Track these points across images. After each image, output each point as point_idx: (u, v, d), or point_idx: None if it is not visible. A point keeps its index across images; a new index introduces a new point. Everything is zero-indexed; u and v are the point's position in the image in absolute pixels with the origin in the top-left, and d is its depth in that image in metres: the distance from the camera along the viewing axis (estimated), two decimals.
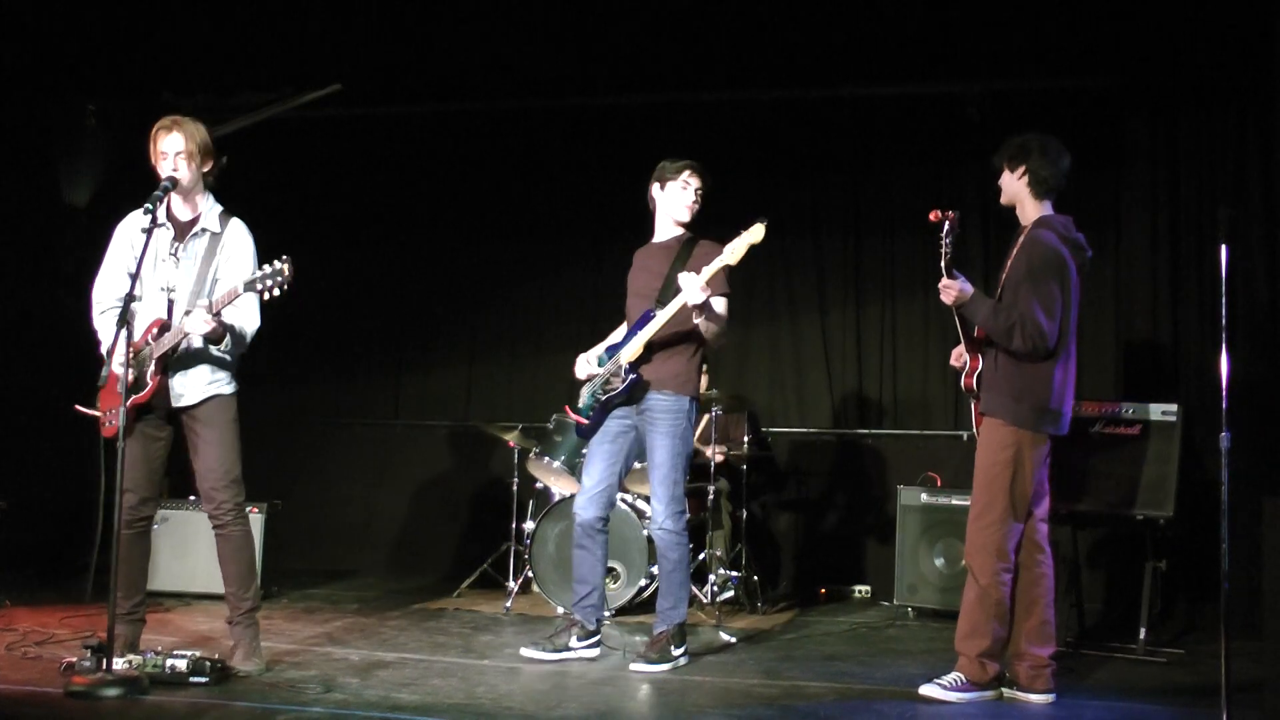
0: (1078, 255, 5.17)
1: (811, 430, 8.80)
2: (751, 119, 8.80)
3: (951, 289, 5.15)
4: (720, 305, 5.83)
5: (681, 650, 5.78)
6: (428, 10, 7.55)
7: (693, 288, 5.59)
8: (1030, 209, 5.26)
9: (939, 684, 5.11)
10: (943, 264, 5.15)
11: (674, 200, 6.04)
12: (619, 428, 5.89)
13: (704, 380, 8.08)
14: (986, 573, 5.06)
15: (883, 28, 7.55)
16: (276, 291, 5.01)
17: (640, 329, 5.80)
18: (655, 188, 6.09)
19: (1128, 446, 6.40)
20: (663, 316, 5.74)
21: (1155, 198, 7.77)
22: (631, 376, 5.76)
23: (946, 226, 5.15)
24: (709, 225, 8.90)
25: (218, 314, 5.02)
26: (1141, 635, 6.25)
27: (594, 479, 5.90)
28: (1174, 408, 6.40)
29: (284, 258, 4.99)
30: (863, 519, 8.53)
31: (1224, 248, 4.67)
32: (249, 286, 5.00)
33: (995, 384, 5.16)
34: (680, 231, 6.06)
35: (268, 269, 5.00)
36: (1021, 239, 5.23)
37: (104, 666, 4.74)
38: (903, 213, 8.53)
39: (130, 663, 4.89)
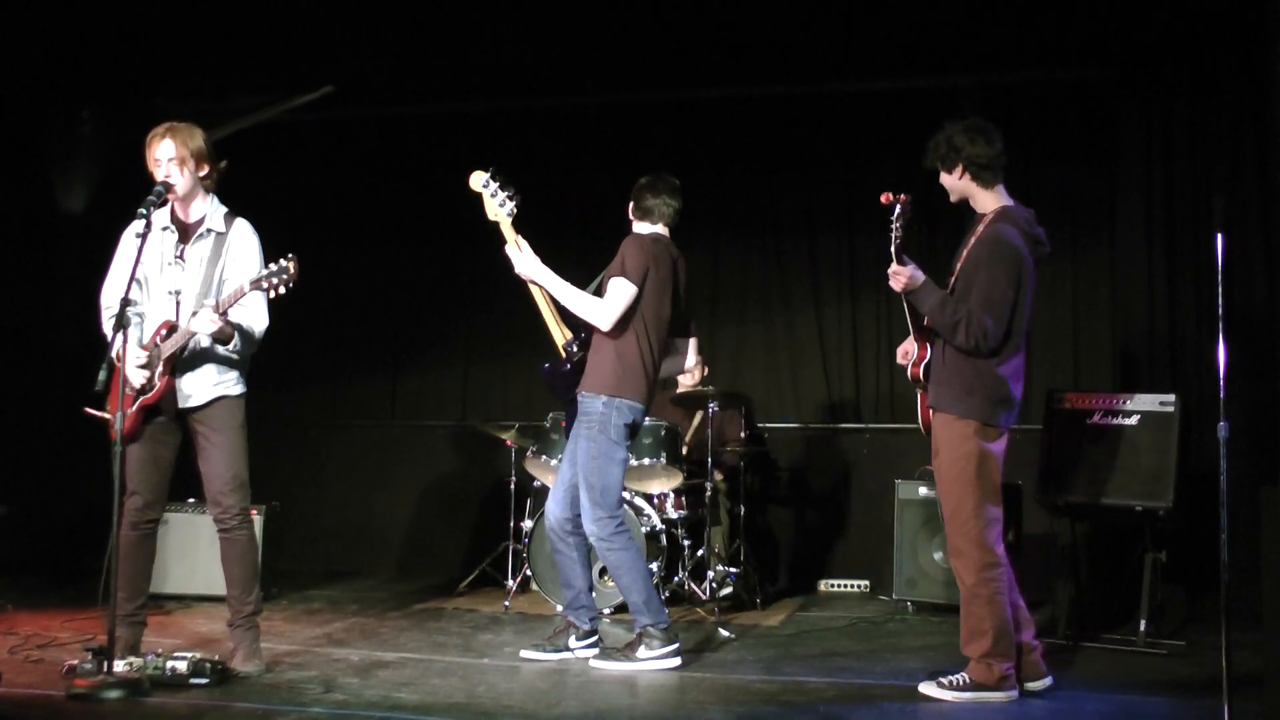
0: (1036, 250, 5.10)
1: (809, 425, 8.80)
2: (745, 115, 8.82)
3: (901, 275, 5.04)
4: (613, 287, 5.67)
5: (655, 654, 5.60)
6: (421, 11, 7.56)
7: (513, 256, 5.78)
8: (985, 198, 5.16)
9: (938, 682, 5.05)
10: (893, 248, 5.04)
11: None
12: (574, 429, 5.86)
13: (694, 372, 8.10)
14: (971, 571, 4.98)
15: (875, 23, 7.57)
16: (282, 289, 5.02)
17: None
18: None
19: (1126, 438, 6.39)
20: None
21: (1150, 188, 7.76)
22: (545, 368, 5.90)
23: (898, 209, 5.03)
24: (709, 222, 8.96)
25: (224, 313, 5.03)
26: (1142, 627, 6.25)
27: (558, 480, 5.90)
28: (1172, 398, 6.39)
29: (290, 255, 5.01)
30: (861, 514, 8.53)
31: (1220, 237, 4.65)
32: (255, 285, 5.01)
33: (944, 378, 5.07)
34: None
35: (273, 267, 5.02)
36: (981, 229, 5.11)
37: (105, 669, 4.75)
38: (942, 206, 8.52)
39: (131, 665, 4.90)
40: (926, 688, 5.07)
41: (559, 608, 7.07)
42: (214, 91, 8.32)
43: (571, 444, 5.84)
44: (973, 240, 5.13)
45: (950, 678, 5.04)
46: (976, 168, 5.10)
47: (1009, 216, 5.09)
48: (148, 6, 7.53)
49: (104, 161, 8.57)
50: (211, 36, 7.79)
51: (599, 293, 5.75)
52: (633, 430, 5.80)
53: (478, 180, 5.93)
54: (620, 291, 5.65)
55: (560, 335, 5.88)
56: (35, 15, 7.52)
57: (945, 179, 5.20)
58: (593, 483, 5.64)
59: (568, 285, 5.73)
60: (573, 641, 5.84)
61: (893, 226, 5.04)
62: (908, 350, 5.27)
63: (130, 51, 7.96)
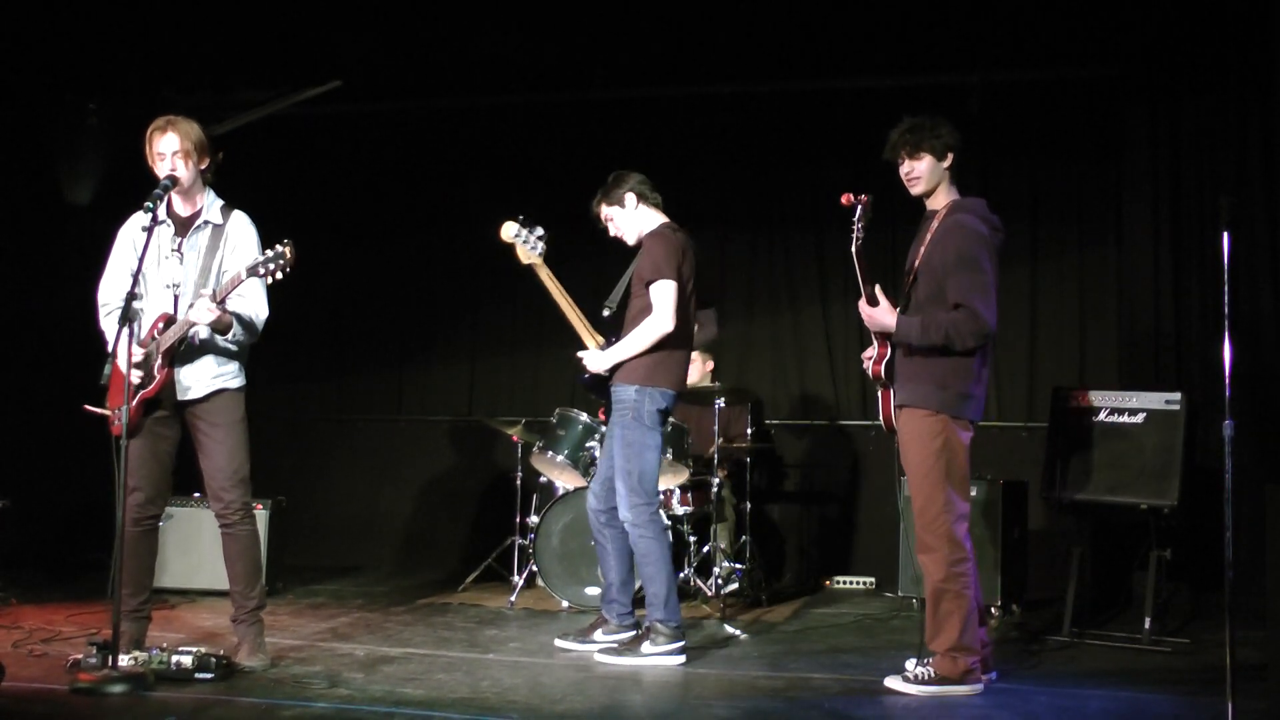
0: (996, 237, 5.12)
1: (814, 422, 8.80)
2: (751, 111, 8.81)
3: (875, 319, 5.11)
4: (658, 292, 5.75)
5: (660, 650, 5.64)
6: (426, 5, 7.55)
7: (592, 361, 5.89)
8: (945, 194, 5.21)
9: (903, 676, 5.07)
10: (854, 249, 5.06)
11: None
12: (610, 422, 5.97)
13: (704, 370, 8.10)
14: (941, 566, 5.00)
15: (881, 19, 7.55)
16: (279, 275, 5.00)
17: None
18: None
19: (1131, 436, 6.39)
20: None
21: (1156, 187, 7.75)
22: (582, 376, 5.95)
23: (859, 210, 5.04)
24: (715, 219, 8.95)
25: (222, 302, 5.02)
26: (1146, 624, 6.24)
27: (597, 473, 6.04)
28: (1177, 396, 6.38)
29: (285, 241, 4.99)
30: (866, 510, 8.53)
31: (1226, 236, 4.64)
32: (251, 271, 4.99)
33: (914, 374, 5.07)
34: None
35: (269, 252, 5.00)
36: (937, 224, 5.13)
37: (109, 663, 4.76)
38: (902, 204, 8.45)
39: (135, 659, 4.90)
40: (891, 681, 5.10)
41: (564, 603, 7.10)
42: (220, 85, 8.33)
43: (609, 437, 5.92)
44: (929, 236, 5.14)
45: (914, 671, 5.06)
46: (956, 162, 5.18)
47: (965, 206, 5.15)
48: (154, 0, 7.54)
49: (110, 155, 8.57)
50: (218, 30, 7.79)
51: (626, 296, 5.89)
52: (665, 416, 5.88)
53: (509, 231, 6.04)
54: (665, 293, 5.73)
55: (592, 342, 5.97)
56: (42, 8, 7.52)
57: (927, 165, 5.17)
58: (629, 469, 5.71)
59: (625, 343, 5.78)
60: (599, 635, 5.88)
61: (854, 227, 5.06)
62: (872, 353, 5.27)
63: (137, 45, 7.96)
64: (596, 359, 5.85)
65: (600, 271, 8.73)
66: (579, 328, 6.00)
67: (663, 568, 5.70)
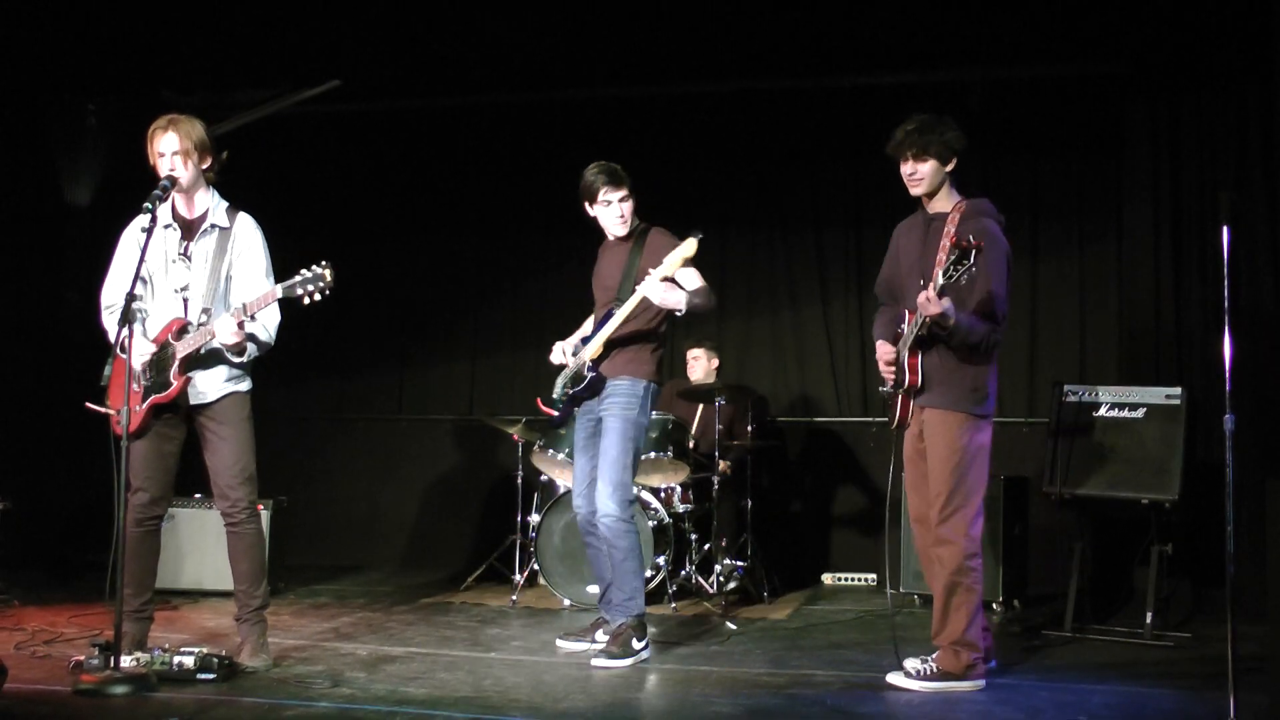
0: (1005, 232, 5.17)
1: (815, 419, 8.80)
2: (751, 110, 8.80)
3: (935, 305, 4.84)
4: (690, 280, 5.75)
5: (644, 644, 5.68)
6: (426, 5, 7.55)
7: (655, 290, 5.55)
8: (947, 196, 5.20)
9: (905, 671, 5.08)
10: (944, 281, 4.84)
11: (605, 220, 5.97)
12: (592, 424, 5.90)
13: (710, 368, 8.13)
14: (957, 558, 5.02)
15: (881, 17, 7.54)
16: (317, 296, 4.94)
17: (603, 326, 5.82)
18: (586, 207, 6.01)
19: (1132, 430, 6.40)
20: (620, 314, 5.75)
21: (1157, 183, 7.75)
22: (592, 374, 5.84)
23: (974, 254, 4.77)
24: (715, 217, 8.94)
25: (252, 317, 5.00)
26: (1148, 619, 6.25)
27: (579, 475, 5.95)
28: (1178, 391, 6.39)
29: (324, 262, 4.94)
30: (867, 507, 8.53)
31: (1226, 231, 4.64)
32: (288, 290, 4.96)
33: (944, 379, 5.08)
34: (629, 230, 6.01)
35: (307, 273, 4.95)
36: (954, 228, 5.06)
37: (112, 664, 4.75)
38: (903, 202, 8.46)
39: (138, 660, 4.91)
40: (893, 677, 5.11)
41: (565, 601, 7.11)
42: (220, 85, 8.32)
43: (586, 434, 5.90)
44: (945, 240, 5.05)
45: (917, 666, 5.08)
46: (959, 163, 5.16)
47: (983, 210, 5.15)
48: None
49: (110, 155, 8.57)
50: (218, 29, 7.79)
51: (628, 287, 5.78)
52: None
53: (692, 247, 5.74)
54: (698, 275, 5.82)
55: (595, 352, 5.87)
56: (41, 7, 7.52)
57: (931, 168, 5.14)
58: (625, 462, 5.72)
59: (693, 291, 5.72)
60: (600, 635, 5.88)
61: (966, 268, 4.79)
62: (890, 359, 5.22)
63: (136, 44, 7.95)
64: (667, 291, 5.56)
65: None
66: (601, 332, 5.89)
67: (641, 563, 5.82)
